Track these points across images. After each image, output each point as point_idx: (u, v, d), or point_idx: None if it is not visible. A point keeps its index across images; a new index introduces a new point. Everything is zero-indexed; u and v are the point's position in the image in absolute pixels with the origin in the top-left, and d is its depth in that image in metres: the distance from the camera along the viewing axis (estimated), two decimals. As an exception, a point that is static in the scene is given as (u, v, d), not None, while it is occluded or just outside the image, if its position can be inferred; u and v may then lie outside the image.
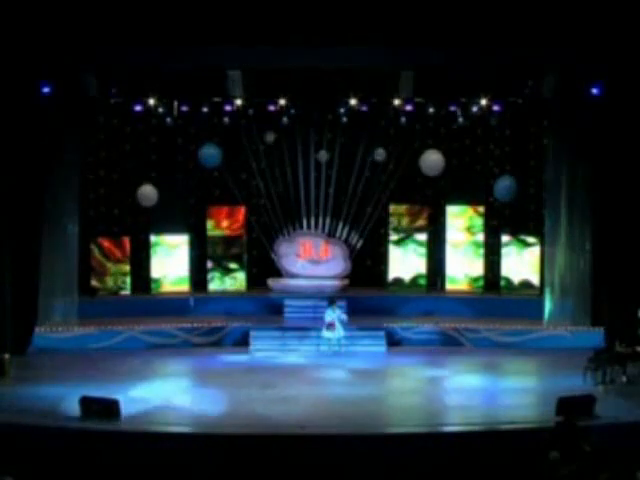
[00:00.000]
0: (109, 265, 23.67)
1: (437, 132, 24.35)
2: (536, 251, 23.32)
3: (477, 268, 24.17)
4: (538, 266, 23.20)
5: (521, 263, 23.60)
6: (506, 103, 22.30)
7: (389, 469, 12.97)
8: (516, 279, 23.59)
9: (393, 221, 24.52)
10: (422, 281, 24.29)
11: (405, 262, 24.40)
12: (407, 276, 24.38)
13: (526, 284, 23.44)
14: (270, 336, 21.50)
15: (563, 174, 21.63)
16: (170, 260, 24.12)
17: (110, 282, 23.64)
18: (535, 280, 23.31)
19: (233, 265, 24.54)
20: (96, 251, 23.55)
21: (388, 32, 19.07)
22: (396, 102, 22.22)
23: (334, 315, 20.74)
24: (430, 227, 24.54)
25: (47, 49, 19.34)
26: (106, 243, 23.70)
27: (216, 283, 24.43)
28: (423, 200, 24.73)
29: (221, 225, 24.61)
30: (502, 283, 23.76)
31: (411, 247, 24.38)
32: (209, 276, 24.43)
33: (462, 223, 24.26)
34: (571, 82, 20.56)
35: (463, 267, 24.20)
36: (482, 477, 11.93)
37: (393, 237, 24.46)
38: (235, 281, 24.50)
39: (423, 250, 24.38)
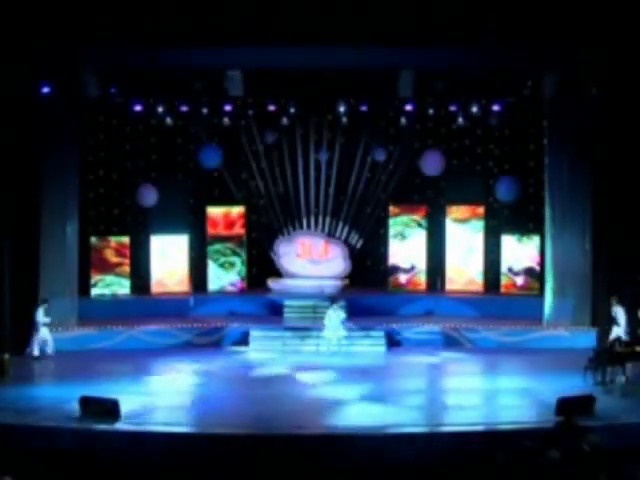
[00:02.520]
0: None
1: (437, 132, 24.37)
2: (535, 251, 23.38)
3: (477, 267, 24.20)
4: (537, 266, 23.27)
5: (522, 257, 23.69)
6: (506, 103, 22.30)
7: (389, 469, 12.97)
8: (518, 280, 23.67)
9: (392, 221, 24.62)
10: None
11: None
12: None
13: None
14: (270, 336, 21.51)
15: (563, 174, 21.63)
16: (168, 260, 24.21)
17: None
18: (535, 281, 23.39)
19: (232, 264, 24.58)
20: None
21: (388, 32, 19.07)
22: (396, 102, 22.21)
23: (334, 315, 20.75)
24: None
25: (47, 49, 19.35)
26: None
27: (215, 283, 24.46)
28: (423, 200, 24.75)
29: (221, 225, 24.61)
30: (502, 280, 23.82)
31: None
32: (208, 276, 24.46)
33: (462, 223, 24.27)
34: (571, 82, 20.56)
35: (463, 265, 24.23)
36: (482, 477, 11.91)
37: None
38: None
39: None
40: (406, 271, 24.45)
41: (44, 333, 20.00)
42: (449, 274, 24.42)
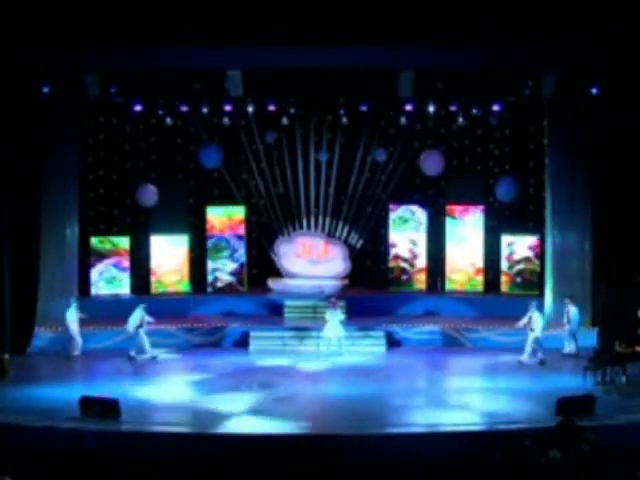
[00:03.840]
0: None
1: (437, 132, 24.38)
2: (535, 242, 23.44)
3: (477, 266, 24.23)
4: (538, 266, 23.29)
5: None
6: (506, 103, 22.31)
7: (389, 469, 12.97)
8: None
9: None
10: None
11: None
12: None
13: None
14: (270, 336, 21.51)
15: (563, 174, 21.64)
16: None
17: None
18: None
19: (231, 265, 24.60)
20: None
21: (388, 32, 19.09)
22: (396, 102, 22.22)
23: (332, 314, 20.77)
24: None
25: (47, 49, 19.36)
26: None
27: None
28: (423, 200, 24.77)
29: (221, 225, 24.60)
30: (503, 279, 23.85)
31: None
32: (208, 276, 24.48)
33: (462, 223, 24.30)
34: (571, 82, 20.56)
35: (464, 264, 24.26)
36: (482, 477, 11.92)
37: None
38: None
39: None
40: (406, 272, 24.47)
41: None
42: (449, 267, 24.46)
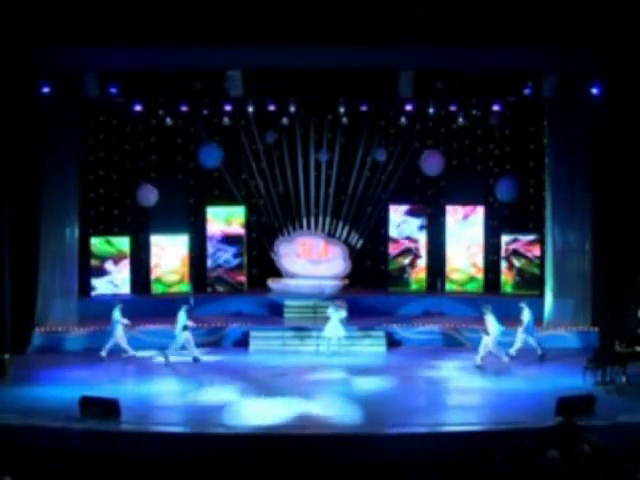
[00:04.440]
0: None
1: (437, 132, 24.38)
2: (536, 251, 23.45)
3: (477, 268, 24.23)
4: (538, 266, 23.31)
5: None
6: (506, 103, 22.32)
7: (389, 469, 12.97)
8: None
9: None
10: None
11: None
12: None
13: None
14: (270, 336, 21.51)
15: (563, 174, 21.64)
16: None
17: None
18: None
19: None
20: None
21: (388, 32, 19.09)
22: (396, 102, 22.23)
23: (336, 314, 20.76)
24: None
25: (47, 49, 19.37)
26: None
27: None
28: (423, 200, 24.77)
29: (220, 225, 24.60)
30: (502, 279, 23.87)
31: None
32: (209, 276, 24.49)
33: (462, 223, 24.31)
34: (571, 82, 20.57)
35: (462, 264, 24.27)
36: (482, 477, 11.93)
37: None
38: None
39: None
40: (406, 271, 24.50)
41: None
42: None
